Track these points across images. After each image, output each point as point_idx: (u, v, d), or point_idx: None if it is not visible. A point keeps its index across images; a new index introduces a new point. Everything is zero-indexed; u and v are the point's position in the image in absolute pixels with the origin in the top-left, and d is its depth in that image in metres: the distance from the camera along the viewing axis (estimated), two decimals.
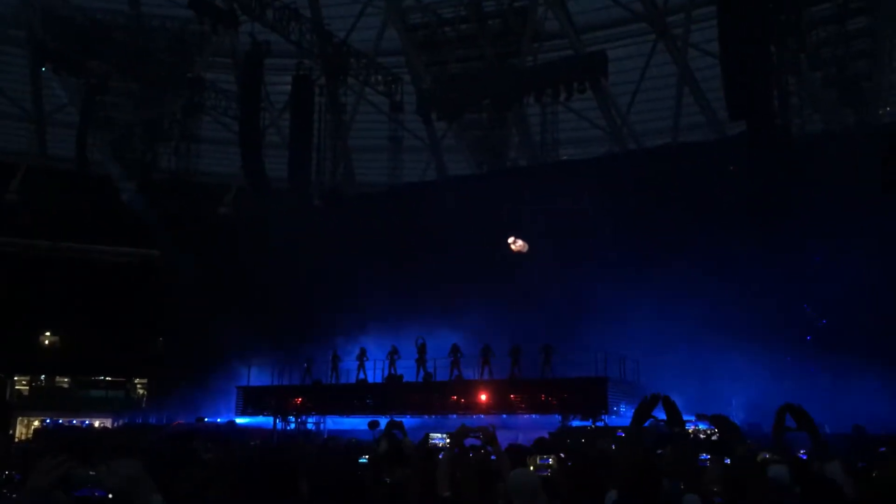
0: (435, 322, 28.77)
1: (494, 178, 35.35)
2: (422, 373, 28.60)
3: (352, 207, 38.09)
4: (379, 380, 29.29)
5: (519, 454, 11.64)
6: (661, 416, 7.91)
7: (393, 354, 29.14)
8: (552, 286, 29.52)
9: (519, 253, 30.08)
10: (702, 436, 17.85)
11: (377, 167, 42.27)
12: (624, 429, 20.08)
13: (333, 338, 31.45)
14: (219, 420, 30.66)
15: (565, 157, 38.55)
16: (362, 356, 29.73)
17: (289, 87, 37.35)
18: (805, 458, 8.15)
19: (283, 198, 36.78)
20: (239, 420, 30.37)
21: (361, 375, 29.72)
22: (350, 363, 30.23)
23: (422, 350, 28.68)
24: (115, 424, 34.01)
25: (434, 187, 37.51)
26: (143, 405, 38.01)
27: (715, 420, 7.59)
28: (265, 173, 36.90)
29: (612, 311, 26.86)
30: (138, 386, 40.83)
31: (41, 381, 40.19)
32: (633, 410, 7.45)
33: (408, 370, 28.80)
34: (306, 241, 34.36)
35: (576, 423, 24.30)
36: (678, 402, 8.17)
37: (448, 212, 31.22)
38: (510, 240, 25.87)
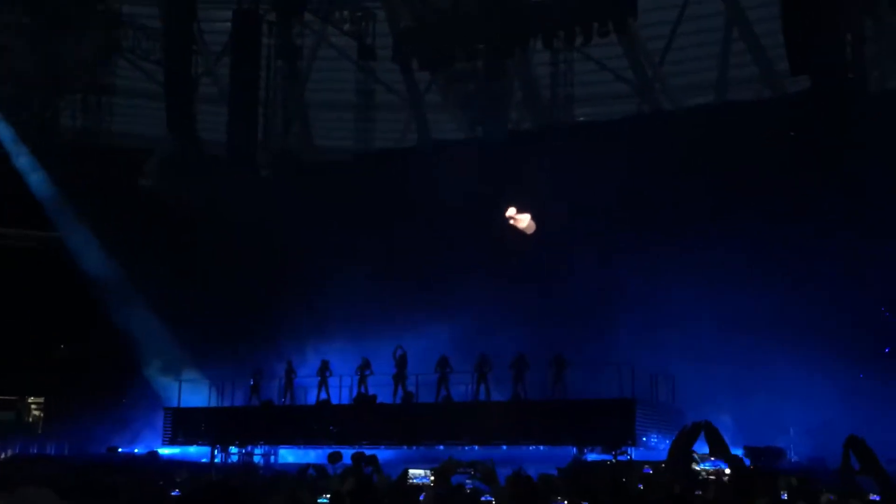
0: (417, 327, 29.35)
1: (492, 144, 35.73)
2: (400, 392, 28.94)
3: (309, 179, 38.41)
4: (346, 401, 29.70)
5: (527, 495, 11.99)
6: (703, 448, 8.22)
7: (363, 369, 29.45)
8: (565, 280, 29.88)
9: (523, 235, 30.54)
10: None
11: (342, 129, 42.66)
12: (655, 465, 20.13)
13: (287, 346, 32.02)
14: (136, 451, 31.07)
15: (582, 119, 38.98)
16: (324, 370, 30.00)
17: (229, 26, 37.79)
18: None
19: (220, 167, 37.22)
20: (164, 451, 30.77)
21: (323, 395, 29.99)
22: (308, 379, 30.62)
23: (401, 363, 28.99)
24: (2, 455, 33.53)
25: (415, 155, 37.99)
26: (39, 430, 37.66)
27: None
28: (198, 135, 37.38)
29: (640, 313, 27.81)
30: (33, 406, 39.98)
31: None
32: (666, 442, 7.77)
33: (383, 389, 29.19)
34: (251, 221, 34.80)
35: (594, 457, 24.68)
36: (723, 429, 8.48)
37: (433, 186, 31.79)
38: (511, 214, 26.36)
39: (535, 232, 26.95)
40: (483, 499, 10.72)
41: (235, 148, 36.47)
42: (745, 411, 23.17)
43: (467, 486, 11.60)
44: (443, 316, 29.86)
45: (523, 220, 25.06)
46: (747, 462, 18.83)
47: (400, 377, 29.10)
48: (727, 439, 13.90)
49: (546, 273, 31.14)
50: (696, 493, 8.70)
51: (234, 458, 29.93)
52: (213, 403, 31.72)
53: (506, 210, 27.40)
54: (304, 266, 34.14)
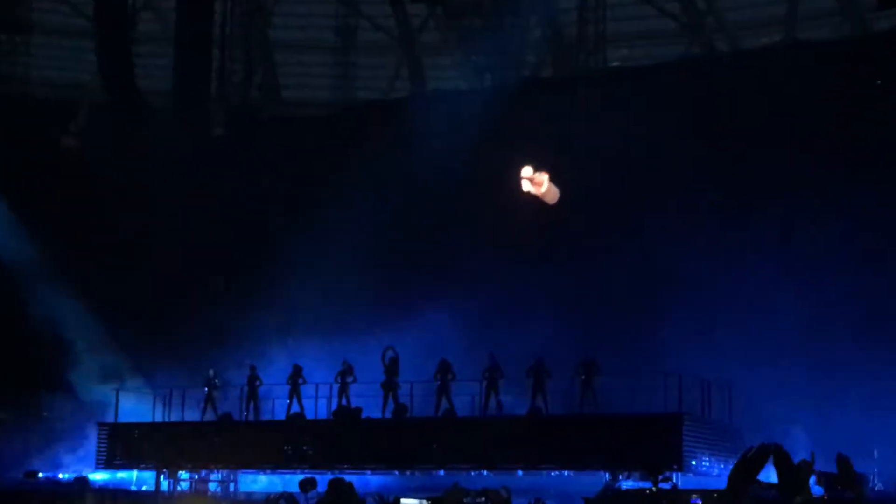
0: (411, 323, 29.69)
1: (504, 95, 35.51)
2: (391, 404, 28.92)
3: (275, 140, 38.46)
4: (323, 414, 29.71)
5: None
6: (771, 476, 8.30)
7: (345, 375, 29.46)
8: (595, 263, 30.09)
9: (542, 205, 30.60)
10: None
11: (317, 76, 42.48)
12: (705, 494, 20.35)
13: (249, 347, 32.31)
14: (62, 476, 31.16)
15: (616, 65, 38.99)
16: (296, 377, 30.01)
17: None
18: None
19: (165, 123, 37.19)
20: (97, 476, 30.94)
21: (295, 407, 30.01)
22: (277, 388, 30.64)
23: (391, 368, 28.98)
24: None
25: (408, 108, 37.50)
26: None
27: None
28: (136, 84, 37.08)
29: (689, 306, 27.86)
30: None
31: None
32: (720, 466, 7.87)
33: (369, 400, 29.20)
34: (202, 189, 34.98)
35: (630, 485, 24.71)
36: (794, 451, 8.57)
37: (429, 148, 31.92)
38: (527, 175, 26.52)
39: (559, 201, 26.94)
40: None
41: (183, 100, 36.56)
42: (819, 429, 23.61)
43: None
44: (443, 309, 30.17)
45: (542, 185, 24.75)
46: (819, 491, 19.20)
47: (390, 385, 29.07)
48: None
49: (572, 255, 31.43)
50: None
51: (185, 486, 29.99)
52: (159, 418, 31.68)
53: (520, 172, 27.37)
54: (269, 246, 34.35)
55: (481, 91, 37.85)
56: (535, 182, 26.79)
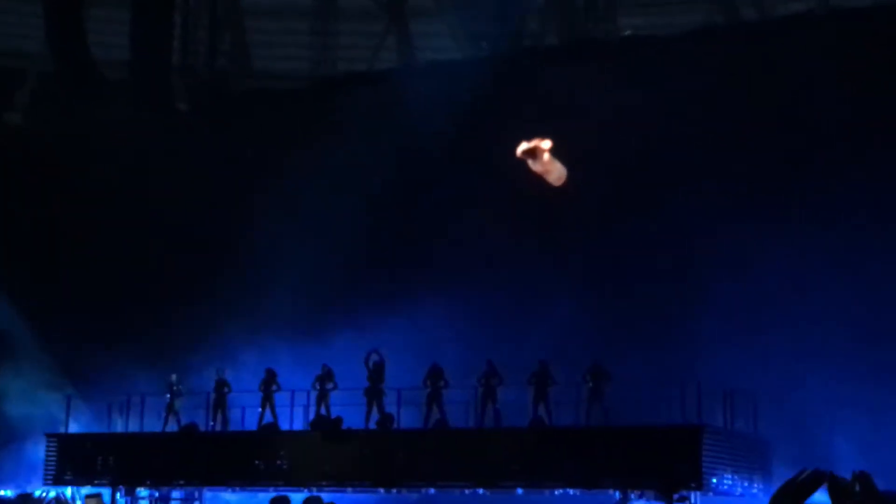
0: (398, 322, 29.82)
1: (503, 66, 35.82)
2: (376, 414, 28.95)
3: (246, 115, 38.39)
4: (299, 425, 29.82)
5: None
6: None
7: (324, 381, 29.57)
8: (605, 254, 30.11)
9: (547, 188, 30.54)
10: None
11: (292, 45, 42.51)
12: None
13: (217, 348, 32.32)
14: (4, 493, 31.20)
15: (629, 33, 38.98)
16: (269, 383, 30.05)
17: None
18: None
19: (120, 96, 37.09)
20: (44, 493, 30.48)
21: (268, 417, 30.04)
22: (247, 395, 30.65)
23: (376, 374, 29.06)
24: None
25: (395, 81, 37.72)
26: None
27: None
28: (88, 52, 37.02)
29: (710, 305, 27.81)
30: None
31: None
32: (744, 485, 7.75)
33: (351, 409, 29.23)
34: (163, 173, 34.85)
35: None
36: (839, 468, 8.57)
37: (419, 125, 31.98)
38: (529, 146, 26.47)
39: (566, 183, 26.87)
40: None
41: (141, 71, 36.45)
42: (871, 444, 23.50)
43: None
44: (435, 305, 30.25)
45: (544, 164, 24.57)
46: None
47: (375, 393, 29.09)
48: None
49: (578, 244, 31.45)
50: None
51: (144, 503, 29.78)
52: (115, 428, 31.73)
53: (523, 149, 27.33)
54: (237, 235, 34.35)
55: (477, 62, 37.89)
56: (536, 160, 26.62)
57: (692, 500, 24.95)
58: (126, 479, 30.47)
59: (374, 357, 29.30)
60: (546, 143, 24.69)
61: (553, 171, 25.70)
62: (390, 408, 29.28)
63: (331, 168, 34.36)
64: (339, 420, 29.39)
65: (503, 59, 36.82)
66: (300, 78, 40.71)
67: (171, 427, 31.24)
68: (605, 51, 35.57)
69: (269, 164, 35.66)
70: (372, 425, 29.18)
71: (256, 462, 29.45)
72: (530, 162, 27.17)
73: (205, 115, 38.46)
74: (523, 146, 27.64)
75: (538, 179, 28.09)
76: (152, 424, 31.53)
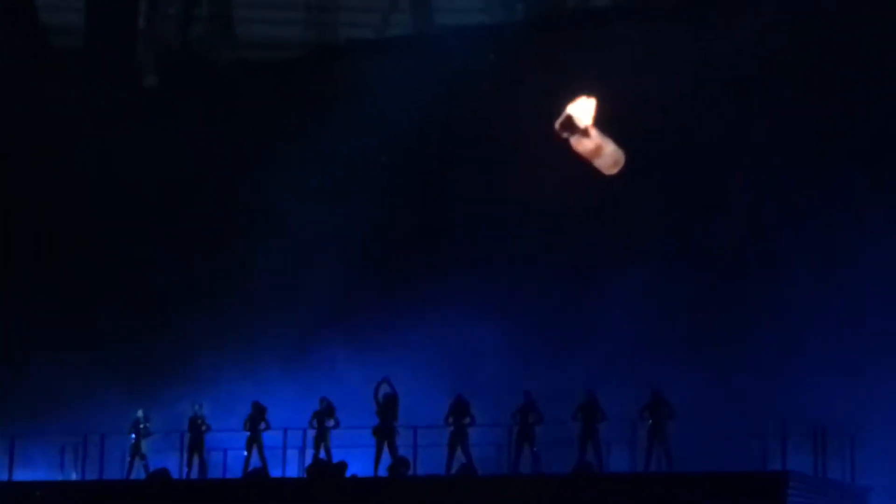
0: (413, 343, 30.21)
1: (541, 29, 35.69)
2: (387, 458, 28.47)
3: (227, 91, 38.22)
4: (294, 472, 29.44)
5: None
6: None
7: (323, 417, 29.11)
8: (668, 248, 30.18)
9: (592, 165, 29.71)
10: None
11: (284, 8, 42.37)
12: None
13: (192, 378, 32.23)
14: None
15: None
16: (257, 420, 29.62)
17: None
18: None
19: (77, 70, 36.84)
20: None
21: (256, 462, 29.57)
22: (231, 434, 30.43)
23: (388, 409, 28.54)
24: None
25: (410, 49, 37.67)
26: None
27: None
28: (36, 17, 36.90)
29: (797, 316, 28.01)
30: None
31: None
32: None
33: (356, 451, 28.78)
34: (128, 159, 34.70)
35: None
36: None
37: (440, 100, 32.38)
38: (565, 119, 25.36)
39: (622, 171, 26.15)
40: None
41: (101, 39, 36.24)
42: None
43: None
44: (456, 322, 30.66)
45: (595, 143, 23.24)
46: None
47: (385, 432, 28.52)
48: None
49: (635, 244, 31.43)
50: None
51: None
52: (70, 476, 31.35)
53: (562, 120, 26.38)
54: (218, 234, 34.19)
55: (510, 26, 37.67)
56: (579, 137, 25.29)
57: None
58: None
59: (385, 388, 28.73)
60: (587, 106, 23.30)
61: (604, 153, 23.99)
62: (405, 450, 28.64)
63: (330, 155, 34.13)
64: (341, 465, 28.51)
65: (541, 22, 36.74)
66: (294, 47, 40.37)
67: (138, 473, 30.54)
68: (665, 9, 35.25)
69: (255, 148, 35.46)
70: (382, 472, 28.45)
71: None
72: (574, 141, 25.41)
73: (178, 92, 37.99)
74: (563, 117, 26.17)
75: (586, 165, 26.95)
76: (114, 470, 31.25)
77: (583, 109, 21.65)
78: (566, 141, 25.44)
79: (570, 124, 23.02)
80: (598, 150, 22.93)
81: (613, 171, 23.42)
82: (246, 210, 33.95)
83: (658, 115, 30.36)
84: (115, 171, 34.89)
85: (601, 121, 20.23)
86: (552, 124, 26.69)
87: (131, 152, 35.10)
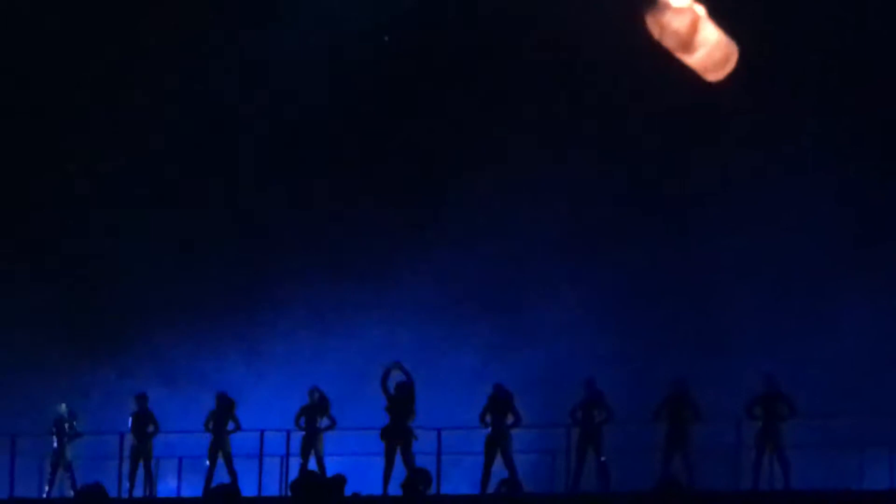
0: (433, 327, 28.54)
1: None
2: (400, 470, 25.92)
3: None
4: (273, 489, 27.98)
5: None
6: None
7: (314, 414, 27.36)
8: (787, 219, 27.95)
9: (697, 75, 26.35)
10: None
11: None
12: None
13: (136, 364, 31.11)
14: None
15: None
16: (223, 417, 27.41)
17: None
18: None
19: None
20: None
21: (222, 476, 27.40)
22: (187, 437, 28.80)
23: (401, 402, 26.22)
24: None
25: None
26: None
27: None
28: None
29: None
30: None
31: None
32: None
33: (359, 462, 26.62)
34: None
35: None
36: None
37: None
38: (657, 15, 21.65)
39: (732, 75, 22.21)
40: None
41: None
42: None
43: None
44: (493, 293, 30.15)
45: (696, 39, 18.41)
46: None
47: (398, 434, 26.05)
48: None
49: (746, 184, 29.19)
50: None
51: None
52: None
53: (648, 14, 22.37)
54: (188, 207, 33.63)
55: None
56: (679, 30, 20.22)
57: None
58: None
59: (397, 374, 26.24)
60: (698, 16, 18.31)
61: (711, 54, 18.94)
62: (424, 460, 25.96)
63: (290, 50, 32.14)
64: (339, 480, 23.64)
65: None
66: None
67: (61, 491, 28.44)
68: None
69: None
70: (395, 489, 24.83)
71: None
72: (671, 39, 20.43)
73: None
74: (658, 12, 21.17)
75: (684, 68, 22.74)
76: (30, 486, 29.64)
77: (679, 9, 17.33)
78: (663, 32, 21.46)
79: (661, 15, 18.20)
80: (698, 45, 17.91)
81: (720, 75, 18.20)
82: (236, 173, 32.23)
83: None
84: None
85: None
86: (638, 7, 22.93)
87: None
